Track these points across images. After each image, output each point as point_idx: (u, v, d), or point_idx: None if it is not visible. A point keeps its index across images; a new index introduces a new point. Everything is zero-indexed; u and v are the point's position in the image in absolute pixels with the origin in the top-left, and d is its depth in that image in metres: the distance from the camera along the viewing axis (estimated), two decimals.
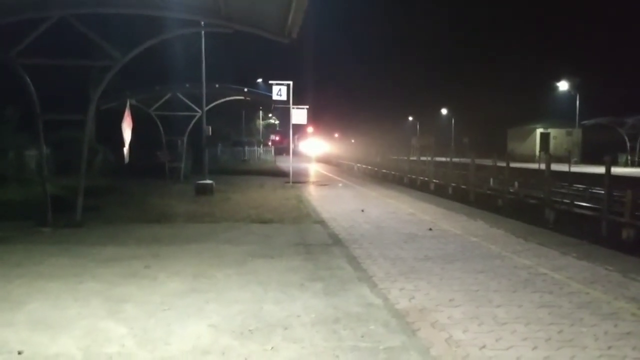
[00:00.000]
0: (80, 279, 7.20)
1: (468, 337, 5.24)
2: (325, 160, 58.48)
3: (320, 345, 4.98)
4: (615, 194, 13.71)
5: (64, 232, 10.98)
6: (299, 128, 71.91)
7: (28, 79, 11.66)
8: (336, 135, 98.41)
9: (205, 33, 18.87)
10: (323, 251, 9.28)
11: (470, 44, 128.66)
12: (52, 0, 11.16)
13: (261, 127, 73.21)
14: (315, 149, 66.44)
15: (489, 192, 19.88)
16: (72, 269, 7.76)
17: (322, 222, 12.68)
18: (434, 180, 25.43)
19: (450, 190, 22.55)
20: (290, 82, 24.03)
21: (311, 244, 10.00)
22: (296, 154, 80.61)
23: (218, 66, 27.24)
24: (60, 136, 22.03)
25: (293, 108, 25.29)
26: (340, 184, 26.09)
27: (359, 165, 42.63)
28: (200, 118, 22.42)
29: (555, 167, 18.42)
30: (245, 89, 28.49)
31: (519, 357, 4.79)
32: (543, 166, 18.41)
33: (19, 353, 4.75)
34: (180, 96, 24.92)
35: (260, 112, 66.21)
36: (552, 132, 60.97)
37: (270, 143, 75.18)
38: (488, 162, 22.68)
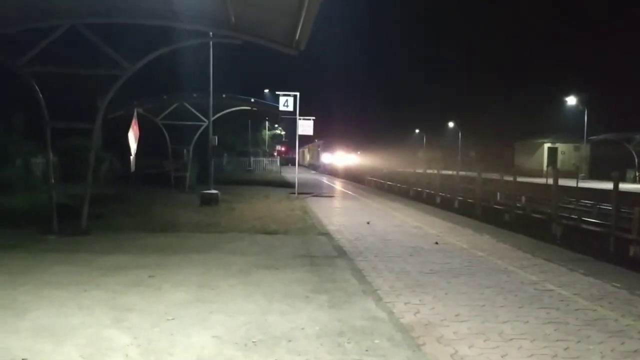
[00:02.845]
0: (85, 287, 7.19)
1: (474, 353, 5.19)
2: (332, 173, 58.18)
3: (324, 358, 4.94)
4: (623, 210, 13.64)
5: (69, 240, 10.98)
6: (324, 138, 70.09)
7: (37, 87, 11.74)
8: (344, 146, 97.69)
9: (213, 43, 18.96)
10: (328, 263, 9.23)
11: (478, 58, 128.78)
12: (63, 10, 11.23)
13: (267, 137, 73.39)
14: (343, 161, 63.15)
15: (495, 206, 19.79)
16: (77, 277, 7.75)
17: (327, 234, 12.64)
18: (440, 194, 25.35)
19: (456, 204, 22.49)
20: (297, 93, 24.07)
21: (316, 255, 9.96)
22: (315, 167, 76.75)
23: (226, 77, 27.36)
24: (66, 144, 22.17)
25: (299, 119, 25.32)
26: (345, 196, 26.05)
27: (366, 177, 42.60)
28: (206, 128, 22.51)
29: (562, 182, 18.35)
30: (252, 100, 28.57)
31: None
32: (550, 181, 18.32)
33: None
34: (188, 106, 25.00)
35: (267, 122, 66.47)
36: (560, 147, 60.67)
37: (275, 153, 75.02)
38: (495, 176, 22.61)
